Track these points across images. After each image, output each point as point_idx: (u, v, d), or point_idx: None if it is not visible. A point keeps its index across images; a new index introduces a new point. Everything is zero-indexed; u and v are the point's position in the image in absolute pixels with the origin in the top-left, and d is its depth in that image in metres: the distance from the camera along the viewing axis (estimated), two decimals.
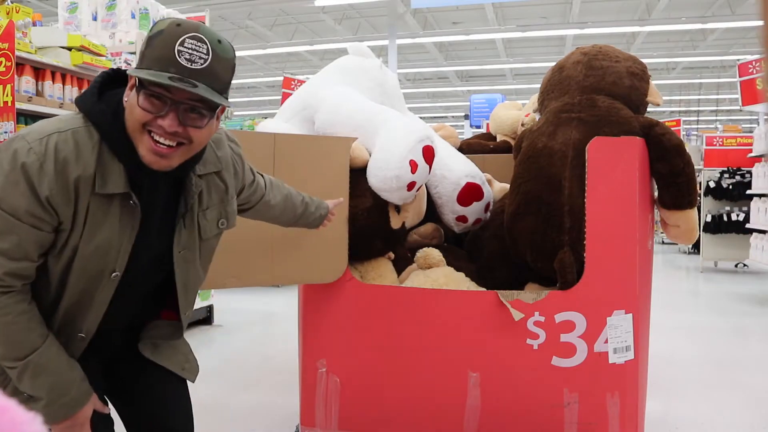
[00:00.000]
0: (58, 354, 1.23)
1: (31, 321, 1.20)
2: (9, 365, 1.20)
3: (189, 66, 1.12)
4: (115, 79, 1.27)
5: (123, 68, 1.28)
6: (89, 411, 1.28)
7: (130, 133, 1.18)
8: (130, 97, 1.17)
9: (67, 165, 1.15)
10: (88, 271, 1.23)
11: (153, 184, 1.25)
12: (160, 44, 1.13)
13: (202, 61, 1.13)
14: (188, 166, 1.27)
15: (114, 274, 1.25)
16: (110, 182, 1.19)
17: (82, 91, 1.24)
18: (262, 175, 1.65)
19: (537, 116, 2.59)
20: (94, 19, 4.68)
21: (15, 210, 1.13)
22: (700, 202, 7.70)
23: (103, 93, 1.23)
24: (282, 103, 3.23)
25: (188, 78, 1.12)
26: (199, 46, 1.13)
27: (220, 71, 1.17)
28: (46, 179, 1.13)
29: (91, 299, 1.26)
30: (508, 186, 2.53)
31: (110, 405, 1.46)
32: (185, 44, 1.12)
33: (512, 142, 3.23)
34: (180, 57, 1.12)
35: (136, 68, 1.16)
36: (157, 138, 1.16)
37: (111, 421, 1.42)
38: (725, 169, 7.94)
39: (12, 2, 3.51)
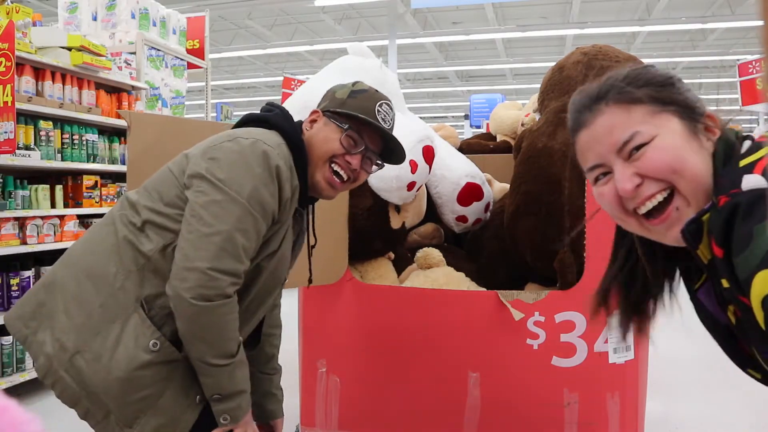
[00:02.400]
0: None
1: (238, 322, 1.27)
2: (222, 363, 1.22)
3: (382, 124, 1.39)
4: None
5: (283, 107, 1.46)
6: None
7: (315, 155, 1.36)
8: (319, 130, 1.38)
9: (292, 173, 1.32)
10: (271, 282, 1.36)
11: (308, 205, 1.46)
12: (364, 100, 1.39)
13: (389, 123, 1.42)
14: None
15: (284, 281, 1.43)
16: (298, 196, 1.37)
17: (270, 111, 1.42)
18: None
19: (537, 116, 2.59)
20: (94, 19, 4.68)
21: (264, 209, 1.24)
22: None
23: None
24: (282, 103, 3.22)
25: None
26: (390, 112, 1.42)
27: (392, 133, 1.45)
28: (287, 183, 1.29)
29: (258, 307, 1.38)
30: (508, 186, 2.53)
31: None
32: (383, 107, 1.40)
33: (512, 142, 3.23)
34: (378, 114, 1.38)
35: (336, 109, 1.37)
36: (336, 169, 1.36)
37: None
38: None
39: (12, 2, 3.51)
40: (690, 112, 0.86)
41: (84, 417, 1.22)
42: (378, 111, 1.37)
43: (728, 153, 0.83)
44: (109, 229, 1.29)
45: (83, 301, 1.23)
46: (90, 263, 1.26)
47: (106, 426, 1.20)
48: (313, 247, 1.58)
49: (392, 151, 1.45)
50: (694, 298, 0.94)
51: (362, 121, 1.35)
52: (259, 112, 1.43)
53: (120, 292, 1.22)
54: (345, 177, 1.37)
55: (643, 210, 0.85)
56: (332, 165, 1.36)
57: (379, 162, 1.45)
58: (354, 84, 1.42)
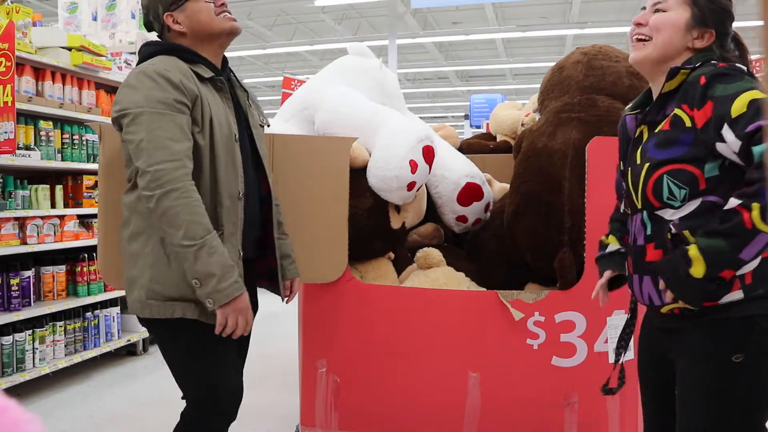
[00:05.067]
0: (222, 245, 1.53)
1: (204, 210, 1.52)
2: (188, 243, 1.47)
3: None
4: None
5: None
6: (248, 300, 1.56)
7: (208, 26, 1.65)
8: (187, 17, 1.64)
9: (177, 65, 1.58)
10: (224, 139, 1.61)
11: (225, 76, 1.71)
12: None
13: None
14: (230, 69, 1.78)
15: (236, 137, 1.65)
16: (202, 72, 1.63)
17: (145, 49, 1.71)
18: None
19: (537, 116, 2.59)
20: (94, 19, 4.68)
21: (165, 103, 1.51)
22: None
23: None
24: (282, 103, 3.22)
25: None
26: None
27: None
28: (172, 73, 1.55)
29: (234, 161, 1.63)
30: (508, 186, 2.53)
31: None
32: None
33: (512, 142, 3.23)
34: None
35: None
36: (225, 12, 1.67)
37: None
38: None
39: (12, 2, 3.51)
40: (699, 20, 1.35)
41: (183, 315, 1.57)
42: None
43: (701, 58, 1.33)
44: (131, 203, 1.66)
45: (133, 254, 1.60)
46: (128, 231, 1.63)
47: (201, 312, 1.56)
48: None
49: None
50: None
51: None
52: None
53: (152, 231, 1.56)
54: (227, 9, 1.70)
55: (634, 37, 1.41)
56: (218, 14, 1.66)
57: None
58: None
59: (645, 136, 1.38)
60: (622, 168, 1.47)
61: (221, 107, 1.65)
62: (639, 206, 1.37)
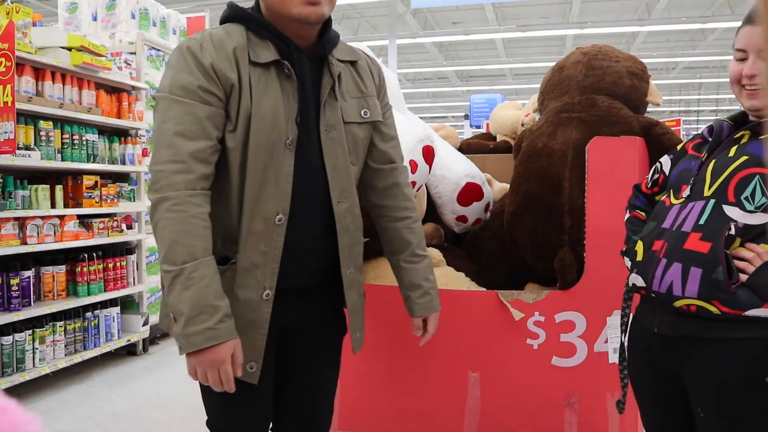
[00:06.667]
0: (213, 277, 1.25)
1: (203, 230, 1.25)
2: (166, 268, 1.23)
3: None
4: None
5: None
6: (227, 353, 1.23)
7: (278, 4, 1.30)
8: None
9: (222, 42, 1.30)
10: (264, 142, 1.31)
11: (299, 58, 1.36)
12: None
13: None
14: (327, 47, 1.40)
15: (288, 141, 1.33)
16: (262, 54, 1.32)
17: (224, 11, 1.45)
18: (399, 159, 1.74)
19: (537, 116, 2.59)
20: (94, 19, 4.68)
21: (186, 89, 1.26)
22: None
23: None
24: None
25: None
26: None
27: None
28: (207, 52, 1.28)
29: (275, 174, 1.33)
30: (508, 186, 2.53)
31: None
32: None
33: (512, 142, 3.23)
34: None
35: None
36: None
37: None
38: None
39: (12, 2, 3.51)
40: None
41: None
42: None
43: None
44: None
45: None
46: None
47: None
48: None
49: None
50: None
51: None
52: None
53: None
54: None
55: (748, 87, 1.33)
56: None
57: None
58: None
59: (746, 138, 1.33)
60: (703, 159, 1.38)
61: (276, 101, 1.31)
62: (707, 194, 1.30)
